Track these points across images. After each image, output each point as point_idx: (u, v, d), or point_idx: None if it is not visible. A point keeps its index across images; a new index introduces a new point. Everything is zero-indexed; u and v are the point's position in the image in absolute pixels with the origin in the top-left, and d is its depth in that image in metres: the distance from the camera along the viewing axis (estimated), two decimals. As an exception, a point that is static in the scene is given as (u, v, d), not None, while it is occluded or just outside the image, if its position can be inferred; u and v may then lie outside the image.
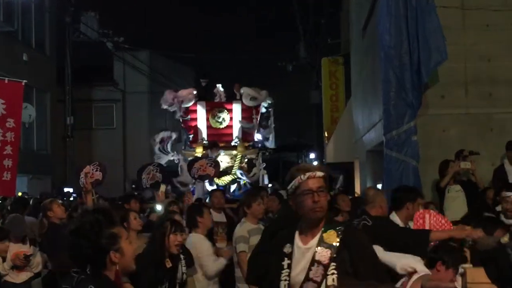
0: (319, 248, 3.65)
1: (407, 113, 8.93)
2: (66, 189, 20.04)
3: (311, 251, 3.67)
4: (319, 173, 3.75)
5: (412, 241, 5.18)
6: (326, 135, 24.31)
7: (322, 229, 3.72)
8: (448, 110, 9.71)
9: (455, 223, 6.29)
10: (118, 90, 31.35)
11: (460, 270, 4.95)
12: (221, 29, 57.81)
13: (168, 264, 5.78)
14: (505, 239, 5.22)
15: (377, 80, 10.68)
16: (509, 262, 5.17)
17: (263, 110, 18.33)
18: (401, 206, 5.91)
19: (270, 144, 18.91)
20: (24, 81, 9.50)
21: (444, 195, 8.74)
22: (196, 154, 16.53)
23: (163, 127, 22.87)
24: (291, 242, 3.77)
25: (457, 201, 8.63)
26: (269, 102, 18.28)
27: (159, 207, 9.00)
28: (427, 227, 5.71)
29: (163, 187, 8.36)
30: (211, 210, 9.15)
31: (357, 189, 16.52)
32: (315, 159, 39.99)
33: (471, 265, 5.11)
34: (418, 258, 4.65)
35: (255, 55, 47.05)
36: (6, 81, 9.34)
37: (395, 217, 5.95)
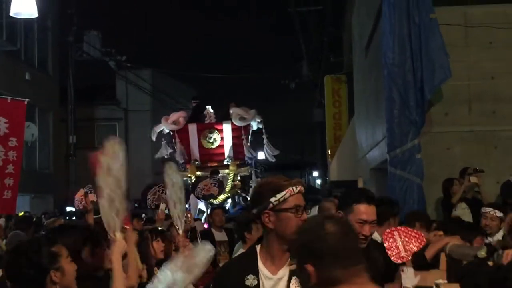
0: (294, 276, 3.03)
1: (411, 131, 8.91)
2: (68, 208, 19.93)
3: (283, 281, 3.08)
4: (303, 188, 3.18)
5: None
6: (329, 153, 24.22)
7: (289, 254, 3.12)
8: (452, 128, 9.66)
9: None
10: (120, 109, 31.35)
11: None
12: (225, 48, 58.13)
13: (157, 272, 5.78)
14: (482, 253, 4.91)
15: (380, 98, 10.65)
16: (488, 279, 4.80)
17: (254, 128, 18.45)
18: (383, 221, 5.26)
19: (271, 157, 18.95)
20: (27, 100, 9.50)
21: (450, 213, 8.66)
22: (188, 175, 16.84)
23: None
24: (255, 272, 3.11)
25: (464, 218, 8.53)
26: (258, 120, 18.37)
27: (159, 228, 8.91)
28: (399, 245, 5.14)
29: (163, 206, 8.22)
30: (212, 229, 9.01)
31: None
32: (318, 177, 39.99)
33: (445, 281, 4.92)
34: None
35: (258, 74, 47.12)
36: (8, 100, 9.34)
37: (374, 233, 5.56)
